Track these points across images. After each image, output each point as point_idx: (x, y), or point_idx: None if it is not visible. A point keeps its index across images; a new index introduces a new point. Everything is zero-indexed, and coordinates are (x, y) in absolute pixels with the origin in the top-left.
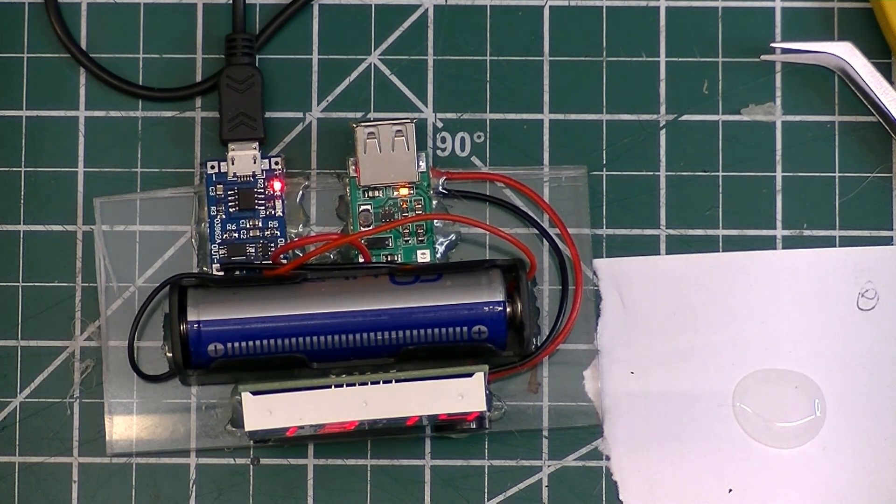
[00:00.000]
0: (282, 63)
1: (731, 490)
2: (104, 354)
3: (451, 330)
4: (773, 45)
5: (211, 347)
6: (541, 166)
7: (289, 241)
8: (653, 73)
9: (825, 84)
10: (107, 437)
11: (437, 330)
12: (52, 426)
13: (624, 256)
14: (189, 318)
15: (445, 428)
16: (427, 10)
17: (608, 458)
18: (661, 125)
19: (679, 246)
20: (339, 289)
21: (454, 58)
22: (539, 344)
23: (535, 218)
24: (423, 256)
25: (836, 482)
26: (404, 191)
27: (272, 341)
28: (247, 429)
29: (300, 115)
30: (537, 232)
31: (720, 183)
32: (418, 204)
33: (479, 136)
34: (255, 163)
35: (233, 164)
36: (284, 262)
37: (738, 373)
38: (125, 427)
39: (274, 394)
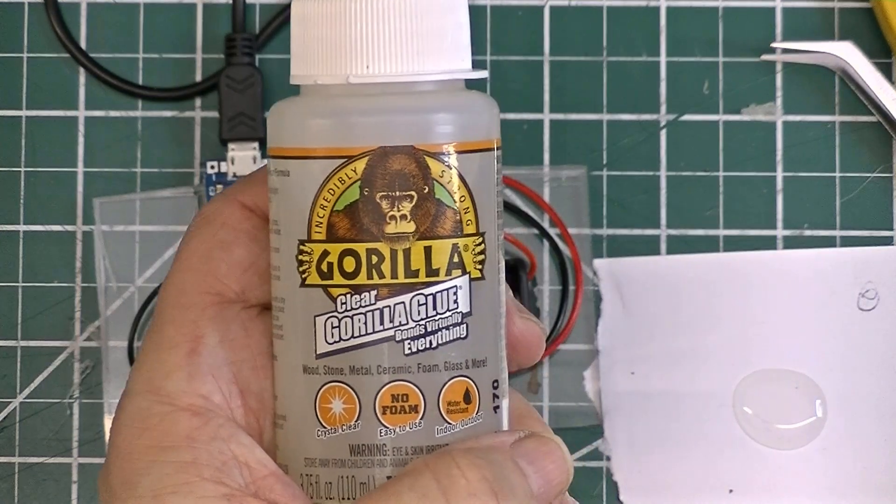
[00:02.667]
0: (282, 63)
1: (731, 490)
2: (104, 354)
3: None
4: (773, 45)
5: None
6: (541, 166)
7: None
8: (653, 73)
9: (825, 84)
10: (107, 437)
11: None
12: (52, 426)
13: (624, 256)
14: None
15: None
16: None
17: (608, 459)
18: (661, 125)
19: (679, 246)
20: None
21: None
22: None
23: (535, 218)
24: None
25: (836, 483)
26: None
27: None
28: None
29: None
30: (537, 232)
31: (720, 183)
32: None
33: None
34: (254, 163)
35: (233, 164)
36: None
37: (738, 373)
38: None
39: None
